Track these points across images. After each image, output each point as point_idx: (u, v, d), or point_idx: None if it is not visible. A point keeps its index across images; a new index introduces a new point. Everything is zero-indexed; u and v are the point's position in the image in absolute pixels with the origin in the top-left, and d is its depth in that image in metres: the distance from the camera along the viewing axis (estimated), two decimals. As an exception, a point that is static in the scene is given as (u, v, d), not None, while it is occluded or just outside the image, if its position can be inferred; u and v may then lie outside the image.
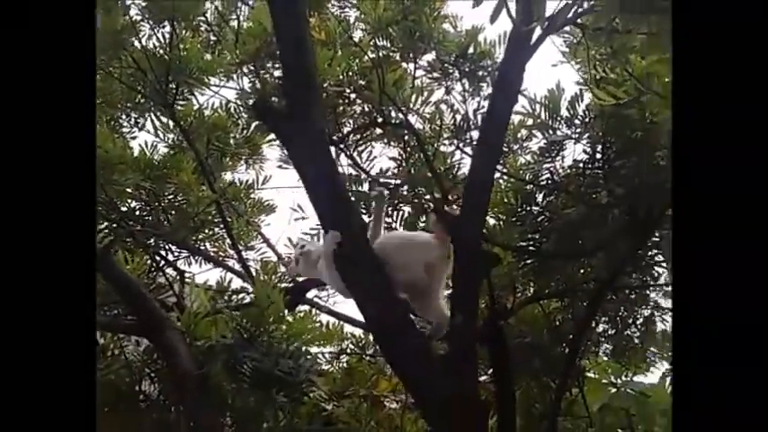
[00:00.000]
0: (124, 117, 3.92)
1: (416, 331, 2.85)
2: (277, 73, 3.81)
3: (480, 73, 3.85)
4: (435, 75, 3.93)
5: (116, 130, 3.85)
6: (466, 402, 2.55)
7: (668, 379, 5.29)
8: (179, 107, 3.88)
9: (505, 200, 3.90)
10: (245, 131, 4.10)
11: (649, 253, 4.34)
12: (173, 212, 3.90)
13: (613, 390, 5.10)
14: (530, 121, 3.89)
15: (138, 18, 3.78)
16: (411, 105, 3.87)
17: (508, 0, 2.30)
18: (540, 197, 3.93)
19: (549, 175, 3.91)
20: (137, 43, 3.79)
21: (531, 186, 3.91)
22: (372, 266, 2.79)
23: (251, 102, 3.66)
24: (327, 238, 2.74)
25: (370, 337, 4.43)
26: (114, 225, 3.57)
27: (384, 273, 2.75)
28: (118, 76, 3.68)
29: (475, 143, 3.48)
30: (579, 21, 2.83)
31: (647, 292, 4.67)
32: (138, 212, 3.85)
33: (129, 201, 3.84)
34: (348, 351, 4.54)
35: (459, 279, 2.65)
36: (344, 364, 4.59)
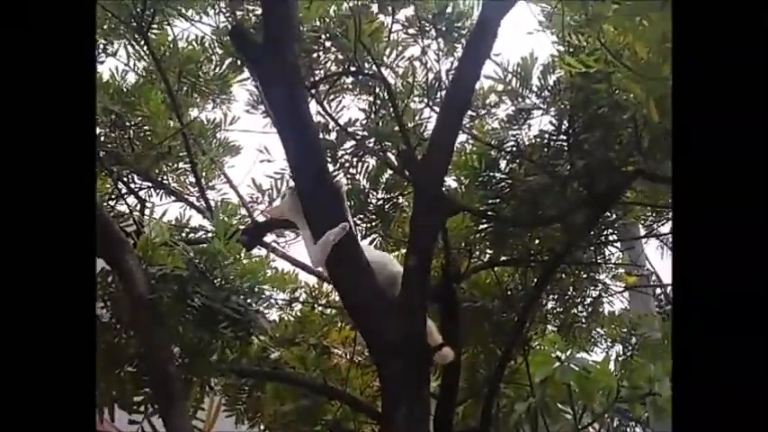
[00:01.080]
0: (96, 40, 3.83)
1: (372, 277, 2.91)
2: (257, 12, 3.75)
3: (455, 34, 3.86)
4: (412, 31, 3.92)
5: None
6: (413, 341, 2.61)
7: (612, 358, 5.44)
8: (153, 36, 3.83)
9: (470, 163, 3.93)
10: (217, 68, 4.07)
11: (605, 232, 4.47)
12: (137, 142, 3.88)
13: (557, 363, 5.21)
14: (500, 87, 3.91)
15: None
16: (385, 59, 3.87)
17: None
18: (503, 164, 3.97)
19: (514, 143, 3.95)
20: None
21: (496, 152, 3.95)
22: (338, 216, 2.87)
23: (228, 28, 3.63)
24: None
25: (324, 287, 4.49)
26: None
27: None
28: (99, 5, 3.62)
29: (444, 95, 3.51)
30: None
31: (597, 273, 4.79)
32: (103, 138, 3.81)
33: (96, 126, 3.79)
34: (301, 300, 4.59)
35: (418, 223, 2.68)
36: (297, 313, 4.64)
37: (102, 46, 3.93)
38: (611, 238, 4.58)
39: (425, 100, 3.99)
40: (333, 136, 4.07)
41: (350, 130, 4.06)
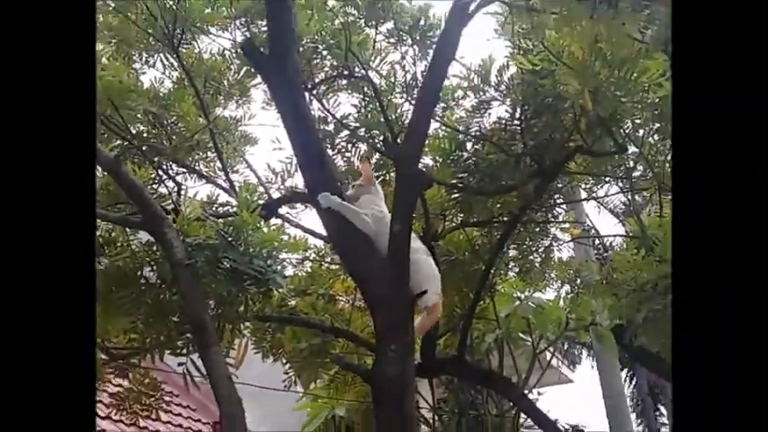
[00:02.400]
0: (137, 55, 3.84)
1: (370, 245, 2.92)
2: (265, 30, 3.74)
3: (428, 41, 3.86)
4: (392, 40, 3.93)
5: (130, 66, 3.78)
6: (399, 290, 2.61)
7: (561, 296, 5.47)
8: (183, 50, 3.81)
9: (442, 146, 3.93)
10: (236, 74, 4.05)
11: (554, 196, 4.48)
12: (173, 136, 3.87)
13: (518, 302, 5.23)
14: (465, 84, 3.90)
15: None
16: (371, 63, 3.88)
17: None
18: (469, 145, 3.97)
19: (477, 128, 3.96)
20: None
21: (463, 136, 3.95)
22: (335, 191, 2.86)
23: (240, 42, 3.62)
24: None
25: (328, 248, 4.50)
26: (126, 143, 3.52)
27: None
28: (134, 21, 3.60)
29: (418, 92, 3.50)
30: (506, -1, 2.80)
31: (549, 226, 4.80)
32: (145, 135, 3.81)
33: (139, 124, 3.78)
34: (310, 258, 4.60)
35: (400, 194, 2.66)
36: (308, 269, 4.65)
37: (144, 59, 3.91)
38: (558, 201, 4.58)
39: (405, 96, 4.00)
40: (330, 127, 4.09)
41: (344, 121, 4.08)
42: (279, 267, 3.48)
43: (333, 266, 4.57)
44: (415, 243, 3.08)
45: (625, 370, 10.04)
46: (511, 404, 7.63)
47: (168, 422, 6.73)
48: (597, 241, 6.66)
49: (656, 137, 4.00)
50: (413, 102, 3.89)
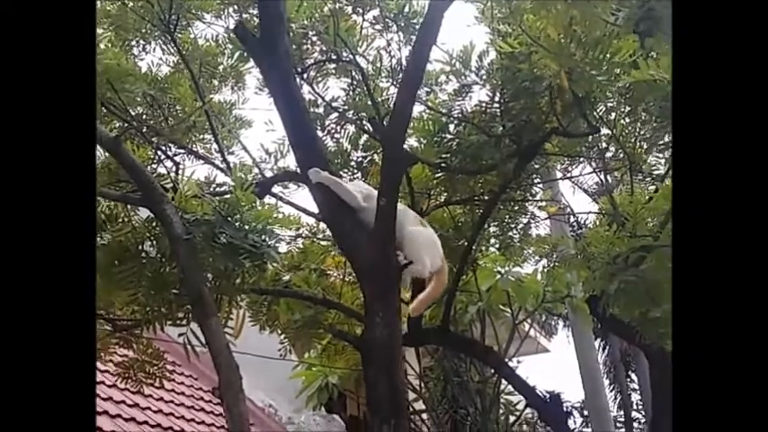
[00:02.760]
0: (135, 41, 3.77)
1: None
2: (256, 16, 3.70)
3: (412, 28, 3.81)
4: (378, 27, 3.89)
5: (127, 51, 3.71)
6: (385, 262, 2.60)
7: (539, 270, 5.49)
8: (179, 36, 3.75)
9: (427, 127, 3.89)
10: (229, 59, 4.00)
11: (531, 176, 4.48)
12: (171, 118, 3.83)
13: (498, 276, 5.26)
14: (447, 69, 3.87)
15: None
16: (358, 49, 3.83)
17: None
18: (451, 127, 3.94)
19: (459, 111, 3.93)
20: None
21: (446, 118, 3.92)
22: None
23: (233, 26, 3.57)
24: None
25: (320, 225, 4.49)
26: (126, 124, 3.48)
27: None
28: (131, 7, 3.55)
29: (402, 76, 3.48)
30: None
31: (527, 204, 4.81)
32: (144, 116, 3.77)
33: (138, 107, 3.74)
34: (303, 236, 4.58)
35: (386, 171, 2.65)
36: (300, 246, 4.63)
37: (141, 45, 3.84)
38: (535, 180, 4.58)
39: (390, 80, 3.97)
40: (321, 110, 4.04)
41: (333, 104, 4.04)
42: (273, 242, 3.46)
43: (324, 243, 4.56)
44: (409, 216, 3.06)
45: (599, 339, 10.10)
46: (492, 371, 7.70)
47: (172, 390, 6.74)
48: (572, 218, 6.65)
49: (627, 119, 4.01)
50: (398, 85, 3.88)
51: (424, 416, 8.72)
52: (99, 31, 3.36)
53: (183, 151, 3.93)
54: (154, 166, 3.82)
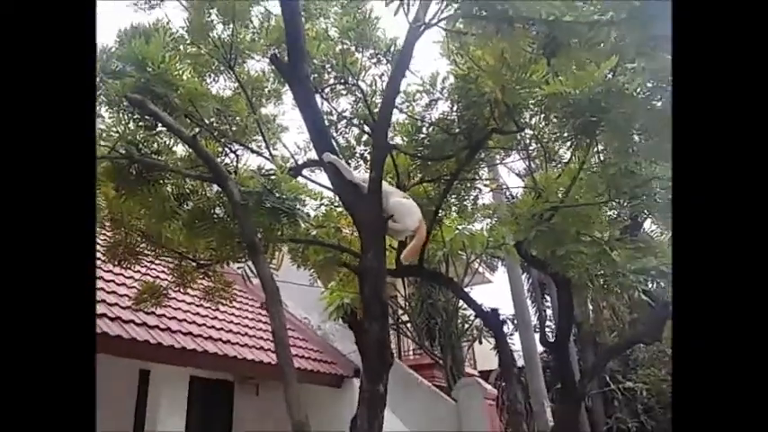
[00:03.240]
0: (207, 73, 3.67)
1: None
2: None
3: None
4: (374, 61, 3.80)
5: (202, 79, 3.60)
6: (374, 215, 2.54)
7: (484, 227, 5.44)
8: (237, 69, 3.67)
9: (407, 129, 3.82)
10: (273, 84, 3.90)
11: (479, 162, 4.41)
12: (232, 125, 3.73)
13: (456, 231, 5.21)
14: (421, 89, 3.80)
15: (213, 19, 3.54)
16: (360, 76, 3.75)
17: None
18: (424, 129, 3.85)
19: (429, 118, 3.84)
20: (213, 34, 3.56)
21: (420, 123, 3.84)
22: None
23: (268, 57, 3.47)
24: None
25: (337, 198, 4.41)
26: (201, 129, 3.41)
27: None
28: (205, 51, 3.44)
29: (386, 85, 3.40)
30: (443, 25, 2.67)
31: (475, 183, 4.74)
32: (215, 124, 3.67)
33: (210, 118, 3.62)
34: (324, 204, 4.52)
35: (375, 158, 2.58)
36: (323, 210, 4.57)
37: (212, 76, 3.74)
38: (482, 165, 4.51)
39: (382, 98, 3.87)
40: (334, 117, 3.97)
41: (343, 114, 3.98)
42: (304, 208, 3.43)
43: (339, 209, 4.50)
44: (395, 192, 2.99)
45: (524, 273, 10.08)
46: (453, 294, 7.71)
47: (239, 307, 6.74)
48: (507, 191, 6.60)
49: (543, 123, 3.94)
50: (384, 93, 3.82)
51: (409, 325, 8.78)
52: (182, 66, 3.29)
53: (240, 147, 3.83)
54: (222, 157, 3.75)
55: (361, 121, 3.90)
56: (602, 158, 2.89)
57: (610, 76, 2.30)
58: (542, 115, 3.69)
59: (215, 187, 3.30)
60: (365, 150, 4.18)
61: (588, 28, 1.99)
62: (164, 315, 4.82)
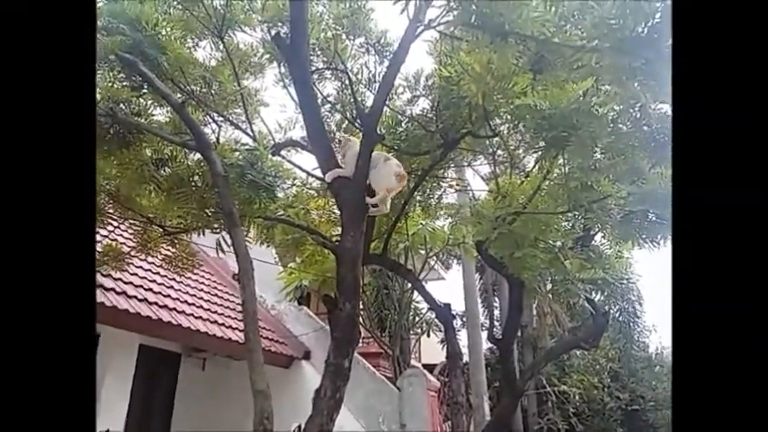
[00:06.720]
0: (191, 40, 3.60)
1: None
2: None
3: (385, 53, 3.79)
4: (362, 50, 3.84)
5: (190, 46, 3.57)
6: (356, 197, 2.60)
7: (447, 224, 5.65)
8: (226, 39, 3.61)
9: (388, 122, 3.88)
10: (259, 58, 3.84)
11: (449, 162, 4.56)
12: (217, 96, 3.71)
13: (420, 226, 5.41)
14: (405, 84, 3.91)
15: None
16: (348, 63, 3.79)
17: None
18: (403, 123, 3.95)
19: (409, 113, 3.96)
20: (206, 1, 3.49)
21: (401, 117, 3.95)
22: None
23: (273, 35, 3.48)
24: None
25: (309, 179, 4.46)
26: (186, 96, 3.39)
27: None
28: (195, 16, 3.40)
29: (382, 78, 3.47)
30: (438, 28, 2.79)
31: (442, 181, 4.89)
32: (197, 93, 3.64)
33: (194, 86, 3.60)
34: (296, 184, 4.56)
35: (364, 146, 2.65)
36: (294, 191, 4.60)
37: (197, 41, 3.66)
38: (451, 165, 4.68)
39: (367, 87, 3.93)
40: (318, 101, 3.95)
41: (328, 99, 4.00)
42: (280, 182, 3.51)
43: (310, 191, 4.56)
44: (380, 155, 2.95)
45: (477, 273, 10.43)
46: (409, 286, 7.91)
47: (196, 279, 6.69)
48: (471, 193, 6.84)
49: (513, 131, 4.12)
50: (372, 90, 3.88)
51: (363, 313, 8.93)
52: (171, 30, 3.25)
53: (221, 118, 3.83)
54: (203, 126, 3.74)
55: (344, 108, 3.95)
56: (566, 171, 3.10)
57: (583, 96, 2.49)
58: (512, 124, 3.90)
59: (195, 155, 3.32)
60: (343, 136, 4.24)
61: (573, 51, 2.17)
62: (120, 279, 4.77)
